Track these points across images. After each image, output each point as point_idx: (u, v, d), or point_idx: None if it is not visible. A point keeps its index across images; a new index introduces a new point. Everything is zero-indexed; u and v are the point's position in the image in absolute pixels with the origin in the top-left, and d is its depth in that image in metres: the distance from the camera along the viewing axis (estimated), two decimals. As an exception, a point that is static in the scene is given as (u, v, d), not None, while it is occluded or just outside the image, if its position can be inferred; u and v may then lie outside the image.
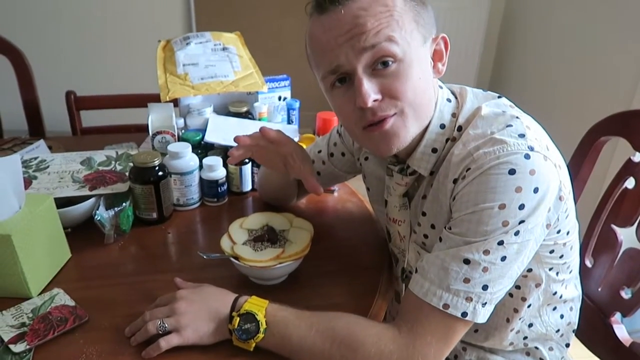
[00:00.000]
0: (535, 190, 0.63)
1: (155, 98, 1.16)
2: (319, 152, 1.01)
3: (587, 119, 1.04)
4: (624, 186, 0.97)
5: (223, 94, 1.22)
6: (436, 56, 0.72)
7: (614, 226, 0.98)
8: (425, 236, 0.77)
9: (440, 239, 0.69)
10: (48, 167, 1.04)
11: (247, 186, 1.13)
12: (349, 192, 1.15)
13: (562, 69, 2.22)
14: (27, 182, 0.97)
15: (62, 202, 0.91)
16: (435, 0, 2.47)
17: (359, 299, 0.81)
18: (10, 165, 0.78)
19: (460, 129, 0.72)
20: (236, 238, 0.85)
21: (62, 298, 0.78)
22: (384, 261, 0.91)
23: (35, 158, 1.07)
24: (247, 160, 1.10)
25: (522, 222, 0.63)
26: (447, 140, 0.73)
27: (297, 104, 1.30)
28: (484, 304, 0.65)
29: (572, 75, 2.14)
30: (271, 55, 1.84)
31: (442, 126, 0.73)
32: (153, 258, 0.92)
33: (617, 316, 0.98)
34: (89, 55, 2.58)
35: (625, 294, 0.95)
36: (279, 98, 1.32)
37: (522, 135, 0.65)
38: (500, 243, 0.63)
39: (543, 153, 0.64)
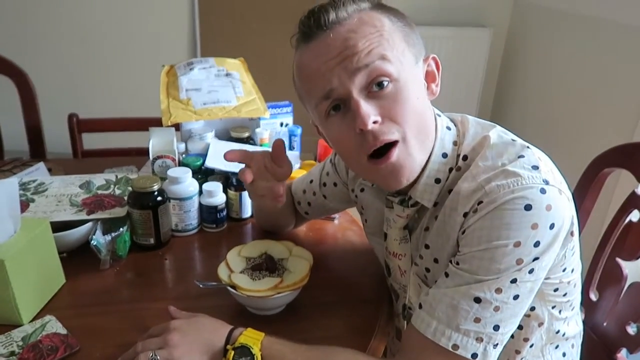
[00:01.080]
0: (552, 226, 0.61)
1: (157, 122, 1.16)
2: (311, 181, 0.99)
3: (590, 151, 1.04)
4: (628, 219, 0.96)
5: (225, 119, 1.22)
6: (429, 77, 0.71)
7: (618, 260, 0.96)
8: (427, 270, 0.75)
9: (447, 275, 0.66)
10: (46, 190, 1.03)
11: (247, 212, 1.12)
12: (349, 220, 1.14)
13: (563, 101, 2.23)
14: (25, 205, 0.96)
15: (59, 226, 0.90)
16: (437, 32, 2.50)
17: (357, 333, 0.79)
18: (7, 188, 0.77)
19: (465, 158, 0.70)
20: (234, 266, 0.83)
21: (53, 326, 0.76)
22: (384, 294, 0.89)
23: (34, 180, 1.06)
24: (247, 186, 1.09)
25: (536, 259, 0.61)
26: (450, 170, 0.70)
27: (299, 130, 1.30)
28: (495, 345, 0.63)
29: (574, 108, 2.15)
30: (274, 82, 1.85)
31: (445, 155, 0.70)
32: (149, 285, 0.90)
33: (623, 352, 0.95)
34: (93, 78, 2.60)
35: (632, 330, 0.93)
36: (281, 124, 1.32)
37: (535, 167, 0.63)
38: (514, 281, 0.61)
39: (557, 187, 0.62)
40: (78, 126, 1.53)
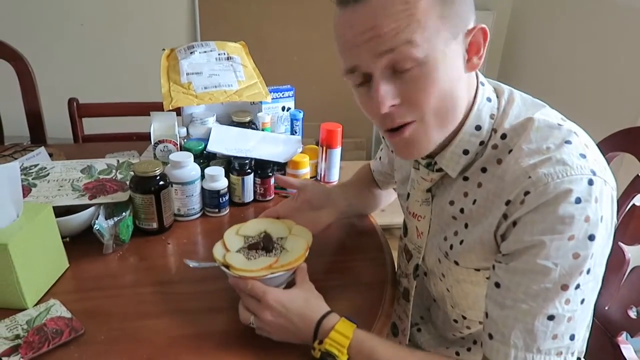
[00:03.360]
0: (602, 219, 0.59)
1: (158, 107, 1.15)
2: (381, 149, 1.04)
3: (594, 134, 1.02)
4: (631, 203, 0.96)
5: (226, 103, 1.22)
6: (472, 49, 0.64)
7: (621, 244, 0.96)
8: (451, 247, 0.74)
9: (498, 285, 0.64)
10: (48, 174, 1.03)
11: (249, 197, 1.11)
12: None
13: (566, 84, 2.21)
14: (26, 190, 0.96)
15: (61, 211, 0.89)
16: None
17: (361, 315, 0.79)
18: (8, 172, 0.76)
19: (504, 136, 0.67)
20: (230, 245, 0.80)
21: (58, 309, 0.77)
22: (387, 276, 0.89)
23: (35, 165, 1.06)
24: (249, 170, 1.08)
25: (592, 256, 0.59)
26: (481, 144, 0.69)
27: (300, 115, 1.29)
28: (572, 353, 0.62)
29: (578, 91, 2.13)
30: (275, 66, 1.84)
31: (478, 128, 0.68)
32: (152, 269, 0.90)
33: (625, 336, 0.96)
34: (92, 62, 2.57)
35: (633, 314, 0.93)
36: (283, 108, 1.31)
37: (583, 156, 0.60)
38: (577, 287, 0.60)
39: (603, 177, 0.60)
40: (78, 111, 1.52)
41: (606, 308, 0.97)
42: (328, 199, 0.96)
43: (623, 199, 0.96)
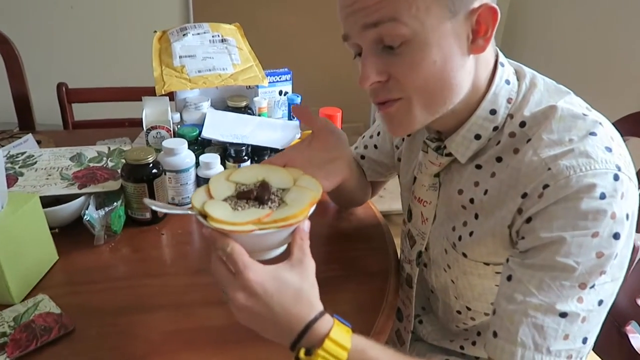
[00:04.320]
0: (627, 216, 0.55)
1: (151, 91, 1.11)
2: (371, 137, 0.96)
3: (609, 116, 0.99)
4: None
5: (221, 87, 1.17)
6: (478, 30, 0.59)
7: (631, 231, 0.93)
8: (460, 238, 0.70)
9: (510, 278, 0.59)
10: (35, 162, 0.98)
11: (246, 185, 1.07)
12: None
13: (569, 65, 2.17)
14: (12, 179, 0.92)
15: (50, 201, 0.86)
16: None
17: (364, 309, 0.76)
18: (-8, 161, 0.72)
19: (523, 124, 0.62)
20: (216, 192, 0.62)
21: (47, 305, 0.73)
22: (390, 266, 0.86)
23: (23, 153, 1.02)
24: (245, 157, 1.04)
25: (616, 256, 0.55)
26: (495, 129, 0.65)
27: (298, 99, 1.25)
28: (581, 358, 0.58)
29: (580, 71, 2.09)
30: (271, 49, 1.79)
31: (493, 112, 0.64)
32: (146, 261, 0.87)
33: (633, 325, 0.93)
34: (82, 46, 2.51)
35: (642, 303, 0.91)
36: (280, 93, 1.26)
37: (608, 149, 0.56)
38: (593, 287, 0.56)
39: (628, 174, 0.56)
40: (68, 96, 1.47)
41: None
42: (345, 147, 0.78)
43: (633, 185, 0.93)
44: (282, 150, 1.11)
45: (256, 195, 0.60)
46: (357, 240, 0.94)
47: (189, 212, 0.60)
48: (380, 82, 0.61)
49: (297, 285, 0.55)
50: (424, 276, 0.84)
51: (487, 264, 0.68)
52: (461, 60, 0.60)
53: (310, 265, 0.57)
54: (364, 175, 0.95)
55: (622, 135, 0.93)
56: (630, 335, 0.92)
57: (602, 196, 0.54)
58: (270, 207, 0.59)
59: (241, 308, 0.54)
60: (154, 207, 0.65)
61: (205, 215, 0.57)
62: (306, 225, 0.59)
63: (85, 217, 0.86)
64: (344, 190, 0.83)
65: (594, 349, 0.96)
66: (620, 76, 1.87)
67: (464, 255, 0.70)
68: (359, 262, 0.88)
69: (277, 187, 0.63)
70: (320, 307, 0.57)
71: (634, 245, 0.92)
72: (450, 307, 0.82)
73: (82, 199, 0.89)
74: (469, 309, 0.79)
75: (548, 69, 2.42)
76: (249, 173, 0.67)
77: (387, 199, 1.36)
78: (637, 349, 0.90)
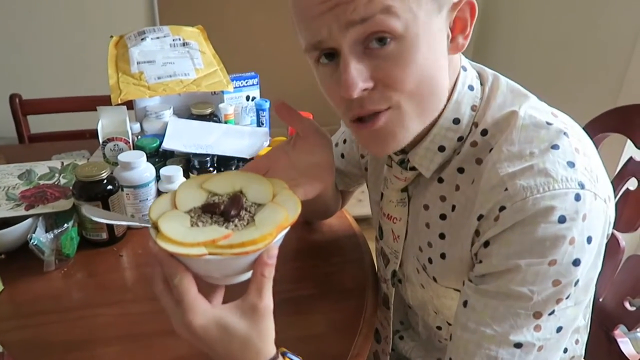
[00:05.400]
0: (589, 240, 0.51)
1: (108, 100, 1.03)
2: (336, 145, 0.87)
3: (579, 113, 0.96)
4: (625, 187, 0.89)
5: (184, 94, 1.10)
6: (457, 26, 0.55)
7: (615, 232, 0.90)
8: (430, 261, 0.65)
9: (465, 304, 0.56)
10: (-21, 182, 0.90)
11: (213, 197, 1.01)
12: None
13: (549, 60, 2.15)
14: (-48, 202, 0.84)
15: (-6, 225, 0.78)
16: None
17: (340, 330, 0.71)
18: None
19: (485, 132, 0.58)
20: (182, 201, 0.54)
21: (-13, 343, 0.66)
22: (368, 280, 0.81)
23: (-34, 172, 0.93)
24: (210, 168, 0.98)
25: (577, 282, 0.52)
26: (459, 139, 0.59)
27: (267, 104, 1.19)
28: None
29: (561, 67, 2.07)
30: (238, 52, 1.73)
31: (457, 121, 0.58)
32: (102, 287, 0.79)
33: (622, 329, 0.90)
34: (36, 53, 2.38)
35: (630, 306, 0.87)
36: (247, 98, 1.20)
37: (571, 164, 0.52)
38: (552, 313, 0.53)
39: (593, 191, 0.52)
40: (21, 108, 1.39)
41: (601, 300, 0.91)
42: (330, 150, 0.69)
43: (615, 183, 0.89)
44: (250, 159, 1.05)
45: (223, 210, 0.52)
46: (331, 254, 0.89)
47: (142, 224, 0.53)
48: (366, 90, 0.52)
49: (245, 334, 0.50)
50: (400, 292, 0.79)
51: (458, 290, 0.63)
52: (444, 62, 0.55)
53: (266, 311, 0.51)
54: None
55: (598, 134, 0.91)
56: (619, 340, 0.89)
57: (562, 219, 0.50)
58: (235, 226, 0.51)
59: (182, 336, 0.51)
60: (94, 218, 0.55)
61: (158, 228, 0.50)
62: (271, 254, 0.50)
63: (32, 241, 0.78)
64: (321, 198, 0.75)
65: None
66: (597, 72, 1.85)
67: (435, 279, 0.65)
68: (333, 278, 0.82)
69: (252, 202, 0.55)
70: (271, 352, 0.52)
71: (619, 246, 0.89)
72: (429, 324, 0.77)
73: (29, 221, 0.82)
74: (449, 324, 0.74)
75: (522, 65, 2.39)
76: (226, 181, 0.58)
77: (365, 203, 1.30)
78: (627, 355, 0.87)
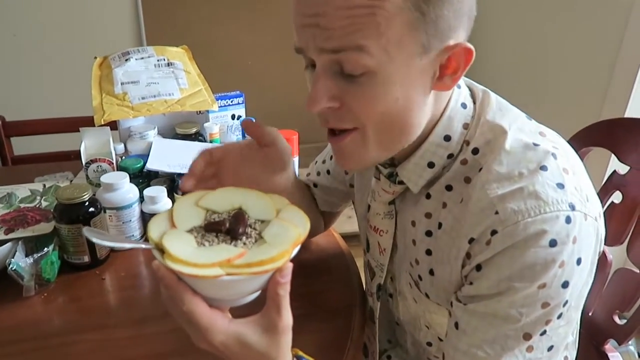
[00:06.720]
0: (579, 261, 0.52)
1: (91, 121, 1.02)
2: (324, 162, 0.87)
3: (565, 128, 0.97)
4: (610, 201, 0.90)
5: (169, 114, 1.10)
6: (449, 67, 0.53)
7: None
8: (420, 277, 0.65)
9: (457, 326, 0.56)
10: (-42, 207, 0.88)
11: (198, 217, 1.00)
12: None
13: (532, 75, 2.18)
14: None
15: (-29, 250, 0.76)
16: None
17: (328, 351, 0.69)
18: None
19: (476, 151, 0.58)
20: (180, 220, 0.52)
21: (-39, 374, 0.63)
22: (355, 299, 0.80)
23: (-56, 197, 0.91)
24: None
25: (566, 303, 0.52)
26: (450, 156, 0.59)
27: (252, 123, 1.18)
28: None
29: (544, 82, 2.10)
30: (224, 71, 1.73)
31: (447, 138, 0.58)
32: (84, 311, 0.77)
33: (612, 343, 0.89)
34: (21, 74, 2.36)
35: (619, 319, 0.87)
36: (233, 117, 1.20)
37: (560, 186, 0.52)
38: (543, 333, 0.53)
39: (584, 211, 0.52)
40: (5, 130, 1.37)
41: (590, 314, 0.91)
42: (290, 165, 0.71)
43: (601, 196, 0.90)
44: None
45: (228, 228, 0.50)
46: (319, 273, 0.88)
47: (144, 245, 0.51)
48: (330, 109, 0.54)
49: (265, 351, 0.50)
50: (390, 308, 0.78)
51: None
52: (423, 99, 0.55)
53: (287, 329, 0.51)
54: (315, 204, 0.89)
55: (582, 148, 0.91)
56: (609, 354, 0.88)
57: (552, 243, 0.50)
58: (245, 244, 0.49)
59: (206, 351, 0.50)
60: (95, 241, 0.54)
61: (164, 250, 0.48)
62: (287, 271, 0.49)
63: (10, 266, 0.76)
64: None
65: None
66: (580, 86, 1.88)
67: (427, 296, 0.65)
68: (321, 297, 0.81)
69: (255, 219, 0.53)
70: None
71: (607, 260, 0.89)
72: (418, 341, 0.76)
73: (8, 245, 0.80)
74: (440, 339, 0.73)
75: (506, 80, 2.41)
76: (223, 198, 0.56)
77: (355, 219, 1.30)
78: (617, 369, 0.86)
